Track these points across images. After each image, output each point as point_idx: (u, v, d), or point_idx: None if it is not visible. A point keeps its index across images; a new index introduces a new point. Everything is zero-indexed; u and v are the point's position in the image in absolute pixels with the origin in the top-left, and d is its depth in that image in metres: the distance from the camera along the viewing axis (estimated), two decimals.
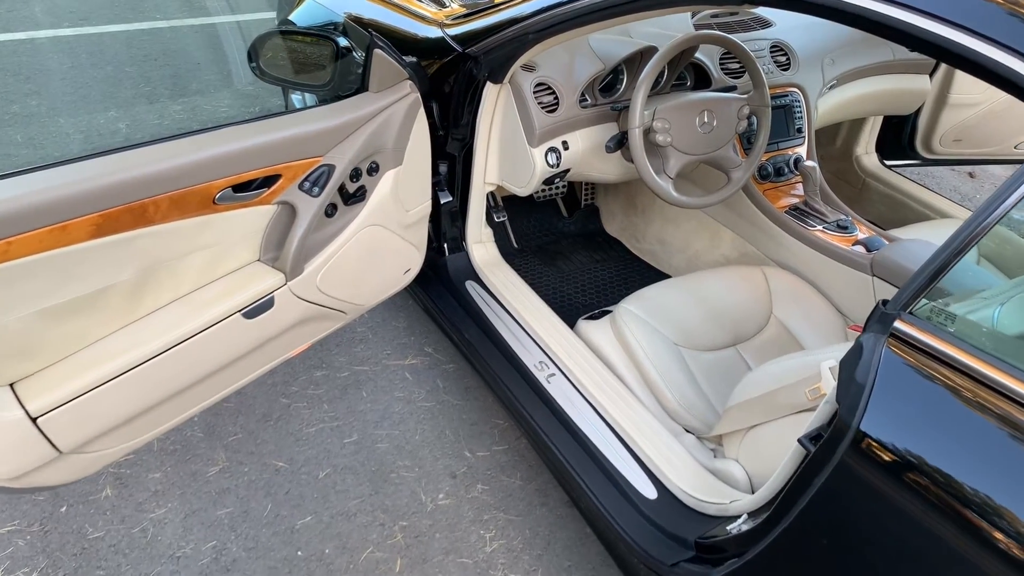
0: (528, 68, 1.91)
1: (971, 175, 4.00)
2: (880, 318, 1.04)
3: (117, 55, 4.75)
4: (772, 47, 2.27)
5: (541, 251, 2.64)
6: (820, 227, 2.04)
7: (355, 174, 1.61)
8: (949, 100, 2.72)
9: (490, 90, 1.91)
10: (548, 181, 2.01)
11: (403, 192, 1.76)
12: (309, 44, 1.73)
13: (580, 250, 2.66)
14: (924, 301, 1.01)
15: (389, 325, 2.55)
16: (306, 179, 1.51)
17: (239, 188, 1.42)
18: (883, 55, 2.44)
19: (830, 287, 2.00)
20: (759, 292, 1.98)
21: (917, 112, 2.79)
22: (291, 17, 2.43)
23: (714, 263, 2.38)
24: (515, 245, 2.61)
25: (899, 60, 2.46)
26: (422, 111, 1.74)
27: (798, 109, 2.24)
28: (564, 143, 1.96)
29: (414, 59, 1.91)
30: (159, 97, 4.18)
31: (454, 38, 1.93)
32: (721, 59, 2.16)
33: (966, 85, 2.69)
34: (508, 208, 2.25)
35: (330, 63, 1.70)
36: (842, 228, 2.03)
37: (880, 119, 2.90)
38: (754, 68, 1.88)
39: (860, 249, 1.94)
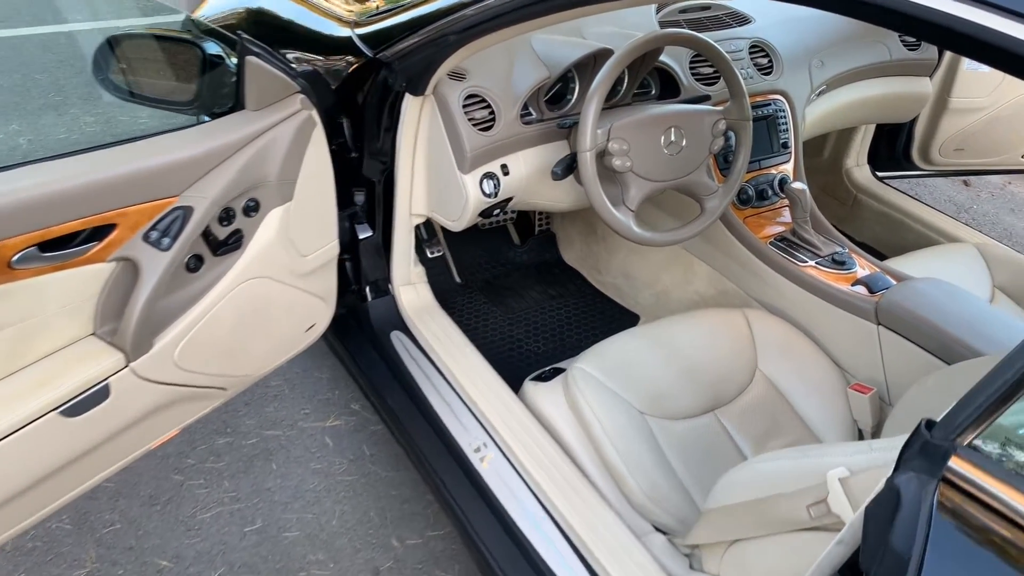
0: (457, 76, 1.58)
1: (966, 183, 3.74)
2: (923, 449, 0.72)
3: (30, 60, 4.35)
4: (752, 47, 1.96)
5: (488, 286, 2.31)
6: (812, 262, 1.74)
7: (226, 216, 1.28)
8: (950, 104, 2.44)
9: (410, 104, 1.58)
10: (487, 213, 1.68)
11: (296, 234, 1.42)
12: (174, 49, 1.39)
13: (534, 284, 2.33)
14: (994, 425, 0.69)
15: (310, 377, 2.21)
16: (153, 227, 1.17)
17: (52, 245, 1.07)
18: (879, 55, 2.14)
19: (826, 336, 1.69)
20: (741, 342, 1.67)
21: (913, 119, 2.50)
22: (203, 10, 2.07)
23: (687, 301, 2.06)
24: (458, 280, 2.28)
25: (897, 60, 2.17)
26: (319, 132, 1.40)
27: (783, 120, 1.93)
28: (503, 167, 1.63)
29: (309, 67, 1.58)
30: (69, 107, 3.80)
31: (365, 40, 1.59)
32: (692, 63, 1.85)
33: (969, 87, 2.41)
34: (450, 235, 1.92)
35: (196, 75, 1.36)
36: (838, 263, 1.72)
37: (873, 126, 2.61)
38: (731, 73, 1.57)
39: (862, 291, 1.64)
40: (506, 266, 2.39)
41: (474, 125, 1.56)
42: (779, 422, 1.59)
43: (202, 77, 1.35)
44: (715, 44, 1.54)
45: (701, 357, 1.62)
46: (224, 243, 1.29)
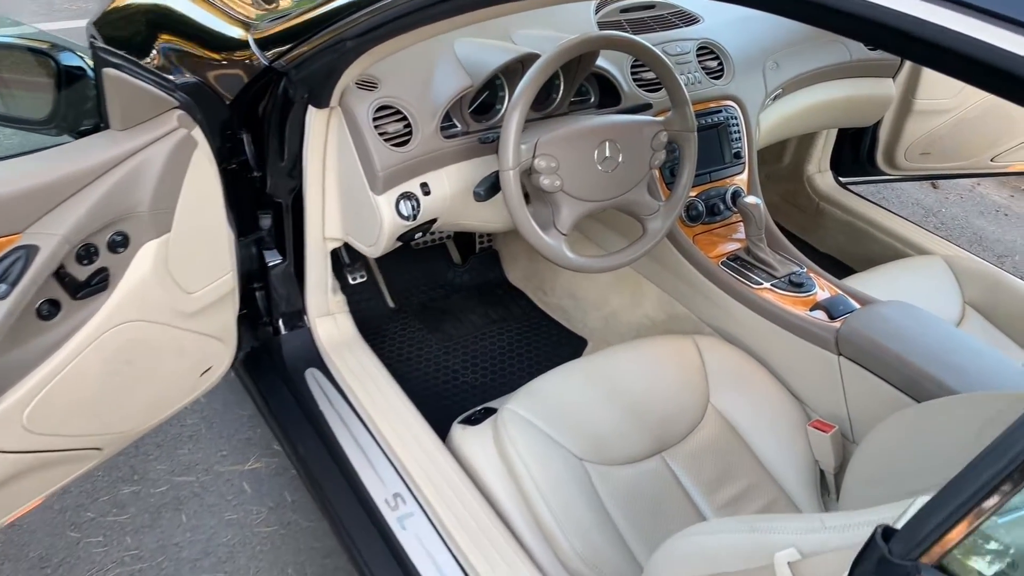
0: (366, 85, 1.42)
1: (934, 186, 3.65)
2: (880, 570, 0.58)
3: None
4: (700, 49, 1.82)
5: (425, 311, 2.15)
6: (767, 284, 1.60)
7: (86, 253, 1.11)
8: (914, 107, 2.33)
9: (315, 117, 1.42)
10: (406, 237, 1.52)
11: (178, 269, 1.25)
12: (24, 60, 1.22)
13: (475, 307, 2.18)
14: (971, 539, 0.55)
15: (230, 413, 2.04)
16: None
17: None
18: (838, 55, 2.02)
19: (784, 366, 1.56)
20: (691, 373, 1.53)
21: (877, 122, 2.39)
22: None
23: (637, 325, 1.92)
24: (391, 305, 2.12)
25: (858, 61, 2.05)
26: (203, 152, 1.24)
27: (735, 128, 1.80)
28: (423, 186, 1.48)
29: (192, 79, 1.41)
30: None
31: (262, 46, 1.43)
32: (633, 68, 1.71)
33: (934, 88, 2.30)
34: (382, 255, 1.77)
35: (52, 90, 1.19)
36: (796, 285, 1.59)
37: (835, 131, 2.49)
38: (671, 80, 1.43)
39: (821, 316, 1.50)
40: (445, 288, 2.23)
41: (387, 140, 1.41)
42: (733, 464, 1.45)
43: (59, 92, 1.18)
44: (652, 47, 1.39)
45: (647, 392, 1.48)
46: (85, 285, 1.12)
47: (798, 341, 1.50)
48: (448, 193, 1.51)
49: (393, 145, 1.41)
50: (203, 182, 1.25)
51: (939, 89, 2.30)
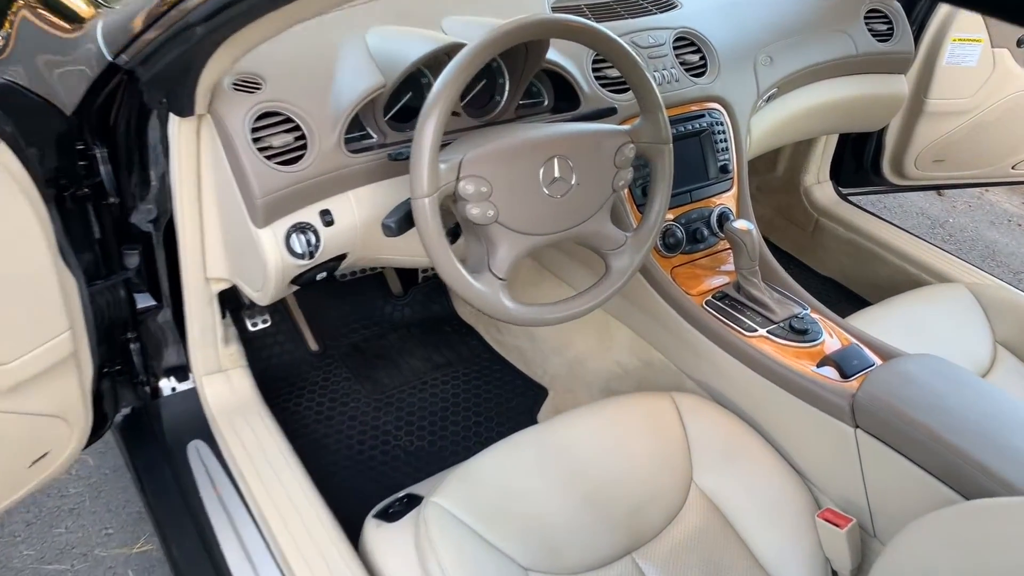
0: (246, 86, 1.12)
1: (939, 193, 3.38)
2: None
3: None
4: (678, 40, 1.53)
5: (355, 354, 1.84)
6: (763, 331, 1.31)
7: None
8: (926, 108, 2.05)
9: (180, 128, 1.12)
10: (305, 279, 1.22)
11: None
12: None
13: (415, 348, 1.87)
14: None
15: (121, 479, 1.73)
16: None
17: None
18: (842, 48, 1.73)
19: (786, 436, 1.27)
20: (670, 443, 1.24)
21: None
22: None
23: (606, 373, 1.62)
24: (313, 348, 1.82)
25: (865, 55, 1.76)
26: (9, 178, 0.93)
27: (721, 136, 1.51)
28: (324, 214, 1.17)
29: (1, 80, 1.10)
30: None
31: (109, 37, 1.12)
32: (596, 63, 1.41)
33: (949, 86, 2.03)
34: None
35: None
36: (798, 333, 1.29)
37: (836, 136, 2.21)
38: (639, 78, 1.13)
39: (831, 373, 1.22)
40: (381, 325, 1.92)
41: (271, 157, 1.10)
42: (723, 565, 1.16)
43: None
44: (613, 36, 1.09)
45: (614, 472, 1.19)
46: None
47: (803, 406, 1.21)
48: (358, 222, 1.21)
49: (280, 163, 1.11)
50: (11, 218, 0.94)
51: (955, 87, 2.03)
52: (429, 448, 1.59)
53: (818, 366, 1.24)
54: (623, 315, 1.55)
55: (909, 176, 2.21)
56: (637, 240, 1.19)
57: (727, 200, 1.51)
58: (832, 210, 2.22)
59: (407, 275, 1.99)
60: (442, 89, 0.97)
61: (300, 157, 1.13)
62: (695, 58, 1.53)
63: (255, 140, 1.09)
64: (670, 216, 1.45)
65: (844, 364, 1.22)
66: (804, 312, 1.35)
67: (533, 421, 1.68)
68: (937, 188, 2.39)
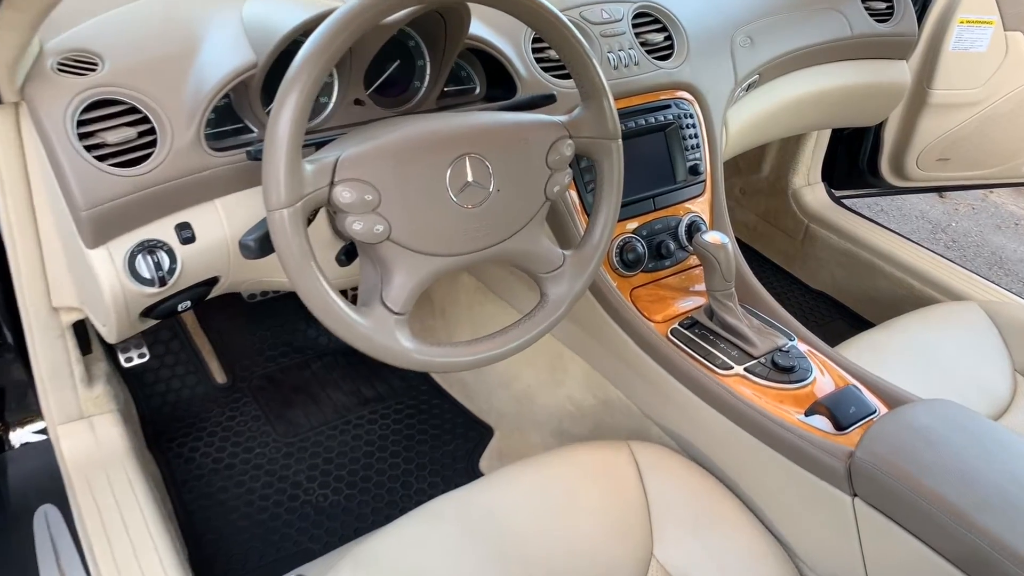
0: (77, 66, 0.89)
1: (941, 195, 3.18)
2: None
3: None
4: (638, 16, 1.31)
5: (271, 386, 1.61)
6: (740, 368, 1.09)
7: None
8: (930, 99, 1.85)
9: None
10: (162, 310, 0.99)
11: None
12: None
13: (343, 379, 1.64)
14: None
15: None
16: None
17: None
18: (835, 29, 1.52)
19: (768, 499, 1.05)
20: (627, 507, 1.03)
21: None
22: None
23: (558, 411, 1.40)
24: (220, 380, 1.58)
25: (861, 37, 1.55)
26: None
27: (691, 131, 1.29)
28: (182, 229, 0.94)
29: None
30: None
31: None
32: (537, 43, 1.18)
33: (956, 75, 1.82)
34: (212, 305, 1.21)
35: None
36: (783, 371, 1.07)
37: (827, 132, 1.99)
38: (574, 54, 0.90)
39: (823, 424, 1.00)
40: (303, 352, 1.68)
41: (104, 157, 0.87)
42: None
43: None
44: (544, 4, 0.86)
45: (556, 546, 0.97)
46: None
47: (789, 466, 0.99)
48: (229, 237, 0.98)
49: (116, 164, 0.87)
50: None
51: (962, 76, 1.83)
52: (346, 504, 1.36)
53: (807, 414, 1.02)
54: (576, 344, 1.33)
55: (910, 177, 1.99)
56: (578, 261, 0.96)
57: (699, 207, 1.29)
58: (824, 215, 2.00)
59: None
60: (301, 65, 0.75)
61: (147, 157, 0.89)
62: (659, 38, 1.30)
63: (83, 135, 0.86)
64: (630, 227, 1.23)
65: (839, 412, 1.00)
66: (790, 344, 1.13)
67: (473, 469, 1.45)
68: (941, 190, 2.19)
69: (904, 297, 1.79)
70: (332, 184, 0.79)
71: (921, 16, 1.71)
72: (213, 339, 1.59)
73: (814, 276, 2.03)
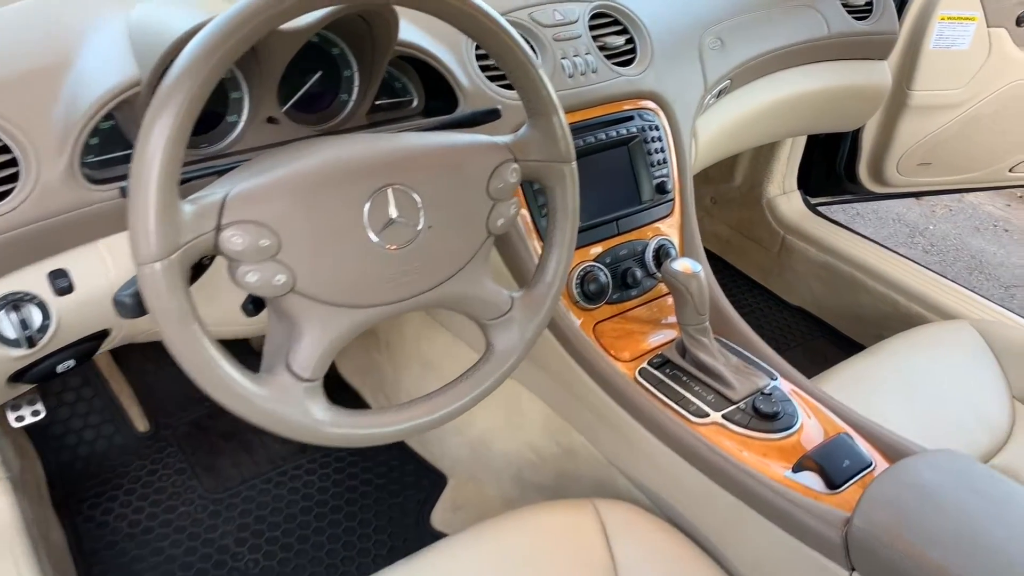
0: None
1: (917, 197, 3.10)
2: None
3: None
4: (596, 17, 1.18)
5: (199, 433, 1.46)
6: (718, 415, 0.97)
7: None
8: (911, 100, 1.75)
9: None
10: (36, 373, 0.84)
11: None
12: None
13: None
14: None
15: None
16: None
17: None
18: (811, 28, 1.41)
19: (752, 571, 0.93)
20: (594, 574, 0.90)
21: None
22: None
23: (517, 459, 1.27)
24: (141, 429, 1.43)
25: (839, 36, 1.44)
26: None
27: (657, 145, 1.17)
28: (57, 276, 0.80)
29: None
30: None
31: None
32: (481, 50, 1.06)
33: (937, 75, 1.73)
34: (136, 345, 1.07)
35: None
36: (766, 418, 0.96)
37: (803, 138, 1.89)
38: (516, 63, 0.77)
39: (814, 483, 0.88)
40: None
41: None
42: None
43: None
44: (480, 6, 0.73)
45: None
46: None
47: (776, 533, 0.87)
48: (115, 284, 0.83)
49: None
50: None
51: (943, 76, 1.74)
52: (280, 570, 1.22)
53: (795, 470, 0.91)
54: (535, 386, 1.20)
55: (890, 182, 1.90)
56: (529, 304, 0.83)
57: (667, 229, 1.17)
58: (801, 226, 1.90)
59: None
60: (174, 83, 0.61)
61: (6, 194, 0.75)
62: (620, 41, 1.17)
63: None
64: (592, 253, 1.10)
65: (831, 468, 0.89)
66: (772, 384, 1.01)
67: (425, 524, 1.32)
68: (923, 195, 2.11)
69: (888, 314, 1.69)
70: (219, 228, 0.65)
71: (900, 12, 1.61)
72: (133, 381, 1.44)
73: (791, 291, 1.93)
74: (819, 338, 1.82)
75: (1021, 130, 1.83)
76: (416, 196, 0.73)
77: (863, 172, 1.89)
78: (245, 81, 0.91)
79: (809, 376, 1.09)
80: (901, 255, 1.78)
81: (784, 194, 1.95)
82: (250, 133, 0.91)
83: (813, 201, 2.04)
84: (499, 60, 0.78)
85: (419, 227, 0.73)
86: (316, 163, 0.70)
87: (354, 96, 0.98)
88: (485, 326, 0.83)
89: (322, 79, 0.96)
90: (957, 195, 3.16)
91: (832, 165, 1.92)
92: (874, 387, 1.24)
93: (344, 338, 0.73)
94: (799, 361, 1.71)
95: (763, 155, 1.92)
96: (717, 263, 2.07)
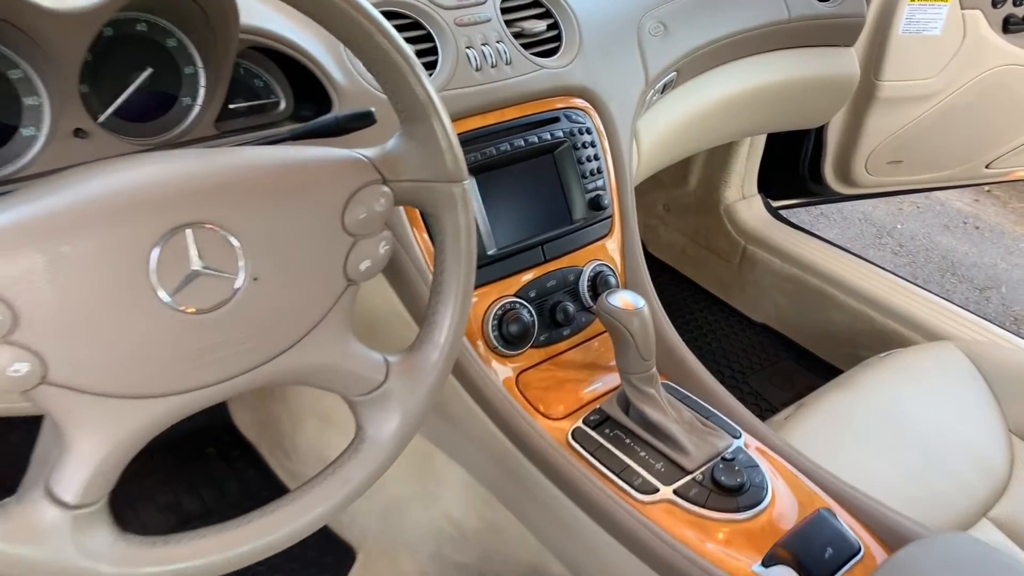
0: None
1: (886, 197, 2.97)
2: None
3: None
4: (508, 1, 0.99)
5: None
6: (668, 489, 0.78)
7: None
8: (878, 92, 1.59)
9: None
10: None
11: None
12: None
13: (160, 485, 1.28)
14: None
15: None
16: None
17: None
18: (768, 10, 1.24)
19: None
20: None
21: None
22: None
23: (434, 532, 1.07)
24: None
25: (801, 20, 1.28)
26: None
27: (590, 151, 0.98)
28: None
29: None
30: None
31: None
32: None
33: (907, 64, 1.58)
34: None
35: None
36: (728, 491, 0.77)
37: (763, 136, 1.72)
38: (375, 50, 0.57)
39: None
40: None
41: None
42: None
43: None
44: None
45: None
46: None
47: None
48: None
49: None
50: None
51: (914, 65, 1.58)
52: None
53: (765, 564, 0.72)
54: (448, 445, 1.00)
55: (858, 183, 1.75)
56: (411, 372, 0.63)
57: (605, 252, 0.98)
58: (763, 234, 1.73)
59: None
60: None
61: None
62: (541, 26, 0.98)
63: None
64: (513, 287, 0.91)
65: (809, 560, 0.71)
66: (736, 445, 0.83)
67: None
68: (894, 195, 1.96)
69: (863, 331, 1.53)
70: None
71: None
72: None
73: (755, 307, 1.76)
74: (786, 359, 1.65)
75: (999, 122, 1.69)
76: (232, 238, 0.53)
77: (829, 172, 1.74)
78: (43, 84, 0.70)
79: (777, 408, 0.92)
80: (874, 264, 1.62)
81: (744, 199, 1.79)
82: (52, 151, 0.70)
83: (775, 205, 1.88)
84: (352, 47, 0.58)
85: (238, 280, 0.53)
86: (79, 197, 0.50)
87: (199, 99, 0.78)
88: (353, 403, 0.63)
89: (156, 79, 0.76)
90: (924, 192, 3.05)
91: (795, 166, 1.76)
92: (853, 429, 1.07)
93: (137, 441, 0.53)
94: (764, 386, 1.53)
95: (719, 156, 1.75)
96: (672, 276, 1.90)
